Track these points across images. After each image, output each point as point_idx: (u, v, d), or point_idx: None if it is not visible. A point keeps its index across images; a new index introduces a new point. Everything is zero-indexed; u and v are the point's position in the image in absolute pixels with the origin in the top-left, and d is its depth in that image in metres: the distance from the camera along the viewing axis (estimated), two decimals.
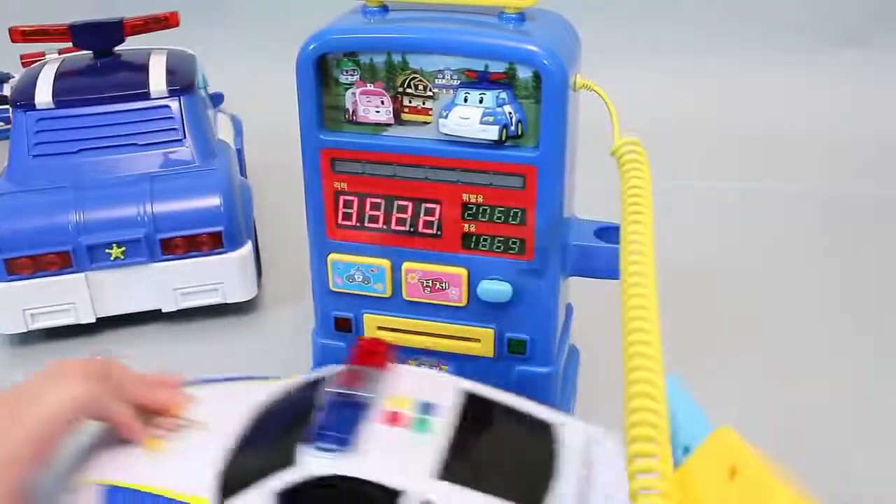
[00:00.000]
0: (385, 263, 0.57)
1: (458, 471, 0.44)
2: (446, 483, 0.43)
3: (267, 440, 0.49)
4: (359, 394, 0.46)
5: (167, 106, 0.77)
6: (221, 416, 0.51)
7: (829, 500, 0.57)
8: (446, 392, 0.49)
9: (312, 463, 0.44)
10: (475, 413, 0.49)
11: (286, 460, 0.44)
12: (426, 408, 0.47)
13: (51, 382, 0.48)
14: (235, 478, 0.46)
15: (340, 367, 0.49)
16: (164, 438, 0.50)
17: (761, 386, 0.67)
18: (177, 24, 0.83)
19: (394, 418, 0.46)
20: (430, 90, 0.52)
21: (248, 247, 0.75)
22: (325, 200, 0.56)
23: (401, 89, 0.53)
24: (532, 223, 0.53)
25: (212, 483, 0.47)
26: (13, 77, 1.10)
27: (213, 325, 0.76)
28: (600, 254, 0.56)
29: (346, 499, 0.44)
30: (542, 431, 0.49)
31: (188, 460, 0.48)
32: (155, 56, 0.81)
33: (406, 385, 0.49)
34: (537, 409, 0.51)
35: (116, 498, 0.47)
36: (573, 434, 0.49)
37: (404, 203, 0.55)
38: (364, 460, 0.44)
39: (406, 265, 0.56)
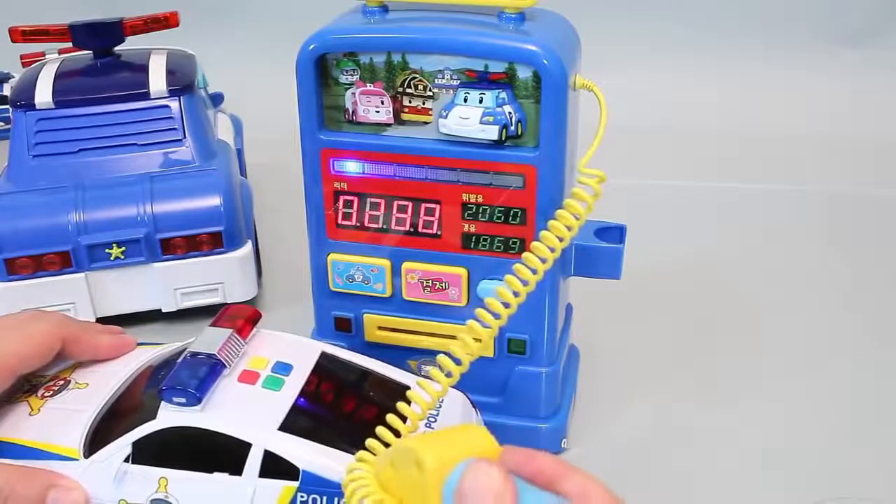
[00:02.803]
0: (385, 263, 0.57)
1: (299, 423, 0.48)
2: (287, 434, 0.47)
3: (139, 398, 0.52)
4: (212, 354, 0.49)
5: (167, 106, 0.77)
6: (103, 377, 0.54)
7: (826, 500, 0.57)
8: (306, 354, 0.53)
9: (167, 416, 0.47)
10: (328, 373, 0.52)
11: (151, 415, 0.48)
12: (281, 367, 0.51)
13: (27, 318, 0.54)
14: (106, 430, 0.50)
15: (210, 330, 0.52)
16: (45, 398, 0.53)
17: (760, 385, 0.67)
18: (177, 25, 0.83)
19: (249, 377, 0.50)
20: (430, 90, 0.52)
21: (248, 247, 0.75)
22: (325, 200, 0.56)
23: (401, 89, 0.53)
24: (532, 223, 0.53)
25: (83, 436, 0.50)
26: (13, 77, 1.10)
27: None
28: (600, 254, 0.56)
29: (194, 447, 0.47)
30: (392, 390, 0.51)
31: (65, 417, 0.52)
32: (155, 56, 0.81)
33: (269, 348, 0.52)
34: (393, 371, 0.54)
35: None
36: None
37: (404, 203, 0.55)
38: (213, 414, 0.47)
39: (406, 265, 0.56)
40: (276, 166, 0.88)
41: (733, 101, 1.19)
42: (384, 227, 0.56)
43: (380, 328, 0.59)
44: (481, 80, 0.51)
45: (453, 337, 0.57)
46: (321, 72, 0.53)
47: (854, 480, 0.59)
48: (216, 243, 0.73)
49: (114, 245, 0.71)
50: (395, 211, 0.55)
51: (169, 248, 0.72)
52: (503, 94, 0.51)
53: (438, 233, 0.55)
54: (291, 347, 0.53)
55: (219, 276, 0.74)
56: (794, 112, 1.17)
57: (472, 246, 0.55)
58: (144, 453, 0.48)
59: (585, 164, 0.50)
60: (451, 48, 0.51)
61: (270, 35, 1.14)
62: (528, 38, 0.50)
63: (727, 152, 1.09)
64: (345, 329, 0.60)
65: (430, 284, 0.56)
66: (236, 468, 0.47)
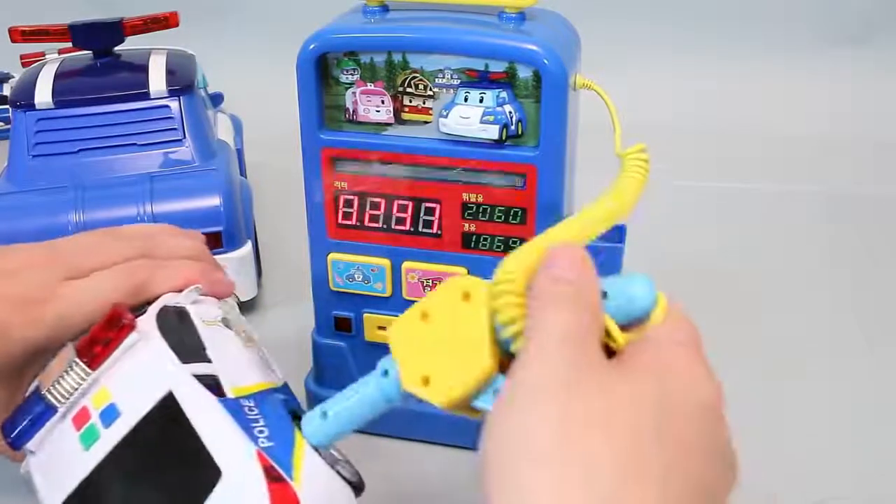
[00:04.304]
0: (385, 263, 0.57)
1: None
2: None
3: None
4: (44, 395, 0.41)
5: (167, 106, 0.77)
6: None
7: (826, 500, 0.57)
8: (147, 395, 0.40)
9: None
10: (151, 430, 0.39)
11: None
12: (110, 413, 0.40)
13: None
14: None
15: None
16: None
17: (760, 385, 0.67)
18: (176, 25, 0.83)
19: (81, 420, 0.40)
20: (431, 89, 0.52)
21: (248, 247, 0.75)
22: (326, 200, 0.56)
23: (401, 89, 0.53)
24: (532, 223, 0.53)
25: None
26: (13, 77, 1.10)
27: None
28: (600, 253, 0.56)
29: None
30: (203, 473, 0.38)
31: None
32: (155, 56, 0.81)
33: (121, 378, 0.41)
34: (222, 444, 0.38)
35: None
36: (239, 487, 0.37)
37: (404, 203, 0.55)
38: (33, 467, 0.41)
39: (406, 265, 0.56)
40: (276, 166, 0.88)
41: (733, 101, 1.19)
42: (384, 226, 0.56)
43: (380, 328, 0.59)
44: (482, 80, 0.51)
45: None
46: (321, 71, 0.53)
47: (854, 480, 0.59)
48: (216, 243, 0.73)
49: None
50: (395, 210, 0.55)
51: None
52: (503, 94, 0.51)
53: (438, 232, 0.55)
54: (141, 379, 0.40)
55: None
56: (794, 112, 1.17)
57: (472, 246, 0.55)
58: None
59: (619, 146, 0.50)
60: (451, 48, 0.51)
61: (270, 35, 1.14)
62: (529, 38, 0.50)
63: (727, 152, 1.09)
64: (345, 329, 0.60)
65: (431, 284, 0.56)
66: None
